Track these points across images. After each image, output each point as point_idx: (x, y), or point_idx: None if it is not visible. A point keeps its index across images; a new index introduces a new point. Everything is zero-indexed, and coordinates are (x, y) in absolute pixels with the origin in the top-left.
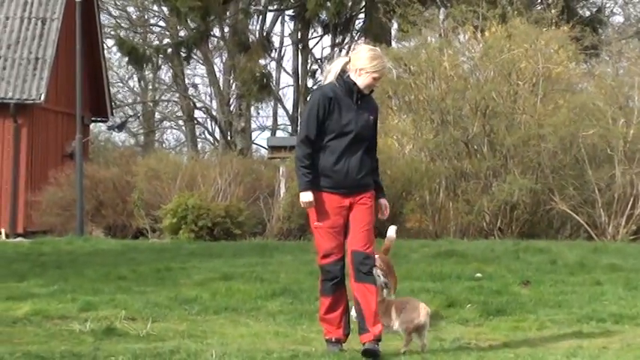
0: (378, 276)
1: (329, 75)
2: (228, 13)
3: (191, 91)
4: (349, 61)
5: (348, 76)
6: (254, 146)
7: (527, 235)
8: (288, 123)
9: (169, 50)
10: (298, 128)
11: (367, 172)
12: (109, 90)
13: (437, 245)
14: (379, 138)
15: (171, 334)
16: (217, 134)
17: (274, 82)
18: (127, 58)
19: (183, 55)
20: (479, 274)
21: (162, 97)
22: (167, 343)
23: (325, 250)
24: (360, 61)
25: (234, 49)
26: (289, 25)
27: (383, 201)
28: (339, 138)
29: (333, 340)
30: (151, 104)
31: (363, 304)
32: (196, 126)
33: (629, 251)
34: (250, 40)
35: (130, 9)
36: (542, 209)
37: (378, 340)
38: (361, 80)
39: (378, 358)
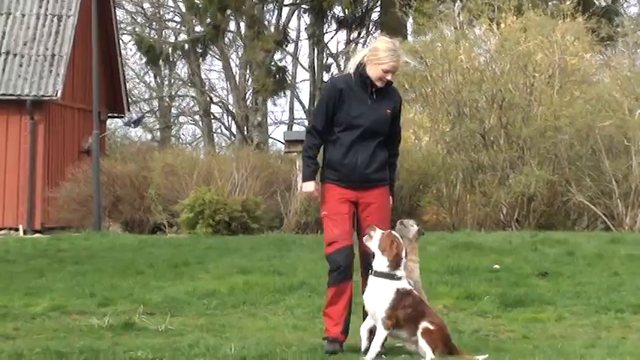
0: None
1: (349, 66)
2: (244, 7)
3: (208, 87)
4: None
5: (364, 68)
6: (270, 141)
7: (545, 227)
8: (305, 117)
9: (186, 46)
10: None
11: (379, 167)
12: (125, 86)
13: (454, 237)
14: None
15: (189, 329)
16: (234, 129)
17: (290, 76)
18: (142, 56)
19: (200, 51)
20: (497, 266)
21: (179, 93)
22: (186, 337)
23: (329, 239)
24: (372, 53)
25: (250, 43)
26: (305, 20)
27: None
28: (349, 131)
29: (330, 338)
30: (167, 99)
31: None
32: (213, 121)
33: None
34: (266, 34)
35: (146, 5)
36: (560, 200)
37: None
38: (371, 72)
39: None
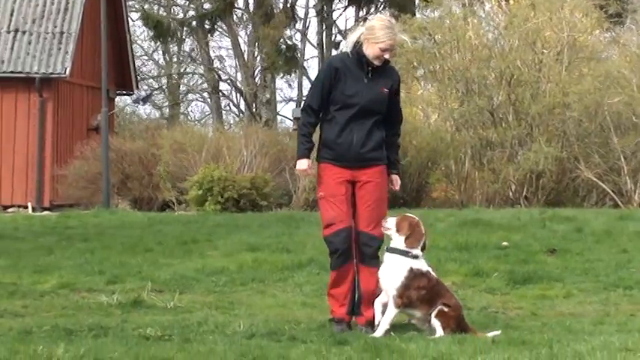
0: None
1: (346, 45)
2: None
3: (216, 63)
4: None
5: (361, 46)
6: (279, 117)
7: (553, 204)
8: None
9: (194, 23)
10: None
11: (375, 146)
12: (133, 63)
13: (463, 214)
14: (403, 108)
15: (198, 306)
16: (242, 106)
17: (299, 54)
18: (152, 32)
19: (207, 27)
20: (505, 243)
21: (187, 70)
22: (194, 314)
23: (327, 220)
24: (369, 31)
25: (259, 21)
26: None
27: (393, 176)
28: (344, 109)
29: (336, 319)
30: (176, 77)
31: (363, 287)
32: (221, 98)
33: None
34: (275, 11)
35: None
36: (568, 177)
37: (370, 324)
38: (369, 50)
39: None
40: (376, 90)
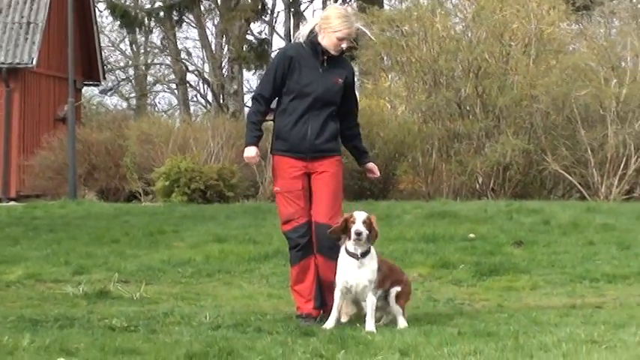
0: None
1: (300, 35)
2: None
3: (183, 55)
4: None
5: (316, 36)
6: (246, 109)
7: (520, 196)
8: None
9: (161, 13)
10: None
11: (330, 137)
12: (100, 54)
13: (430, 206)
14: (371, 100)
15: (164, 297)
16: (210, 97)
17: (270, 47)
18: (118, 22)
19: (175, 18)
20: (472, 235)
21: (155, 61)
22: (160, 305)
23: (284, 216)
24: (325, 21)
25: (227, 13)
26: None
27: (369, 165)
28: (299, 99)
29: (304, 315)
30: (143, 68)
31: (324, 278)
32: (188, 89)
33: (622, 211)
34: (242, 3)
35: None
36: (535, 169)
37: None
38: (325, 40)
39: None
40: (331, 80)
